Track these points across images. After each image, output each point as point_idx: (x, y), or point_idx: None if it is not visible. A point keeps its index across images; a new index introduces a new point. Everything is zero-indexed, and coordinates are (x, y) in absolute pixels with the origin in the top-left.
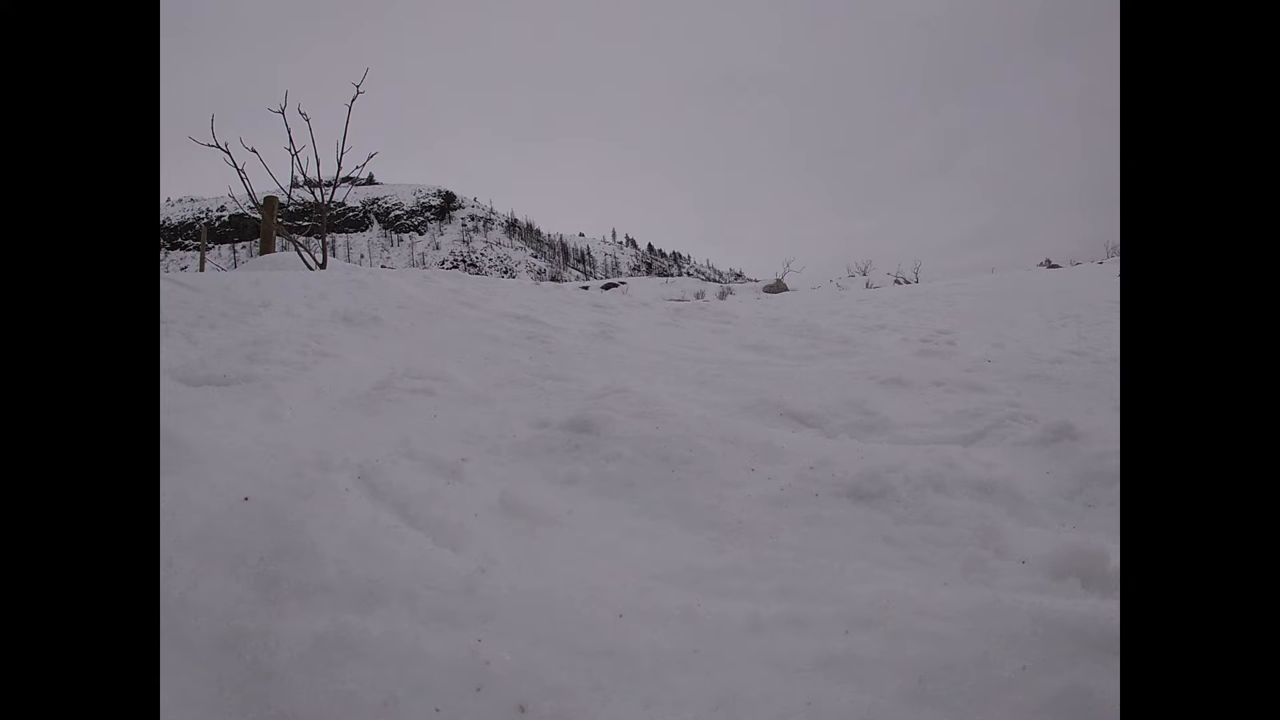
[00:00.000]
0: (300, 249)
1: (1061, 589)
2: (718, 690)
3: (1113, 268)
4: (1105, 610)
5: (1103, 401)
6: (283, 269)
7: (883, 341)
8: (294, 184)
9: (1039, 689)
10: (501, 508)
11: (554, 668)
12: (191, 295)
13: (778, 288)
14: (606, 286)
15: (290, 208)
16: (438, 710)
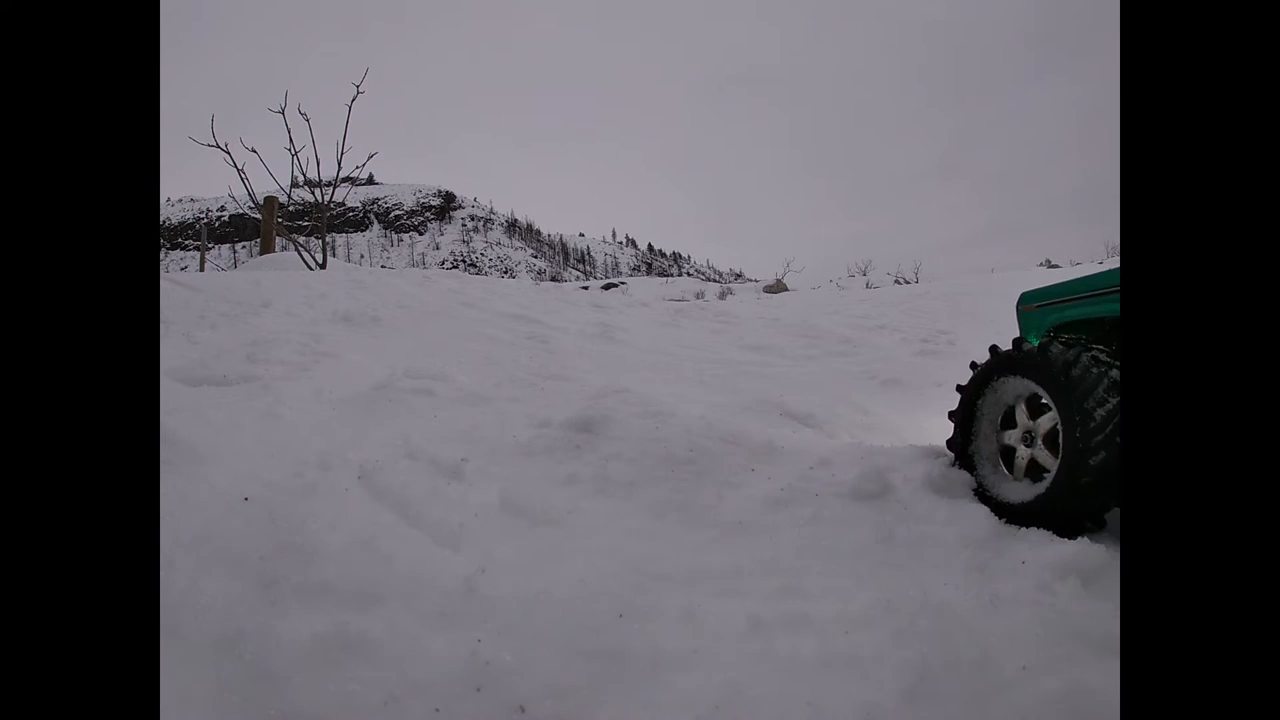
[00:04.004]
0: (300, 249)
1: (1062, 589)
2: (718, 690)
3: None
4: (1105, 610)
5: None
6: (283, 269)
7: (883, 342)
8: (294, 184)
9: (1039, 688)
10: (502, 508)
11: (554, 668)
12: (191, 295)
13: (778, 288)
14: (606, 286)
15: (290, 208)
16: (438, 710)
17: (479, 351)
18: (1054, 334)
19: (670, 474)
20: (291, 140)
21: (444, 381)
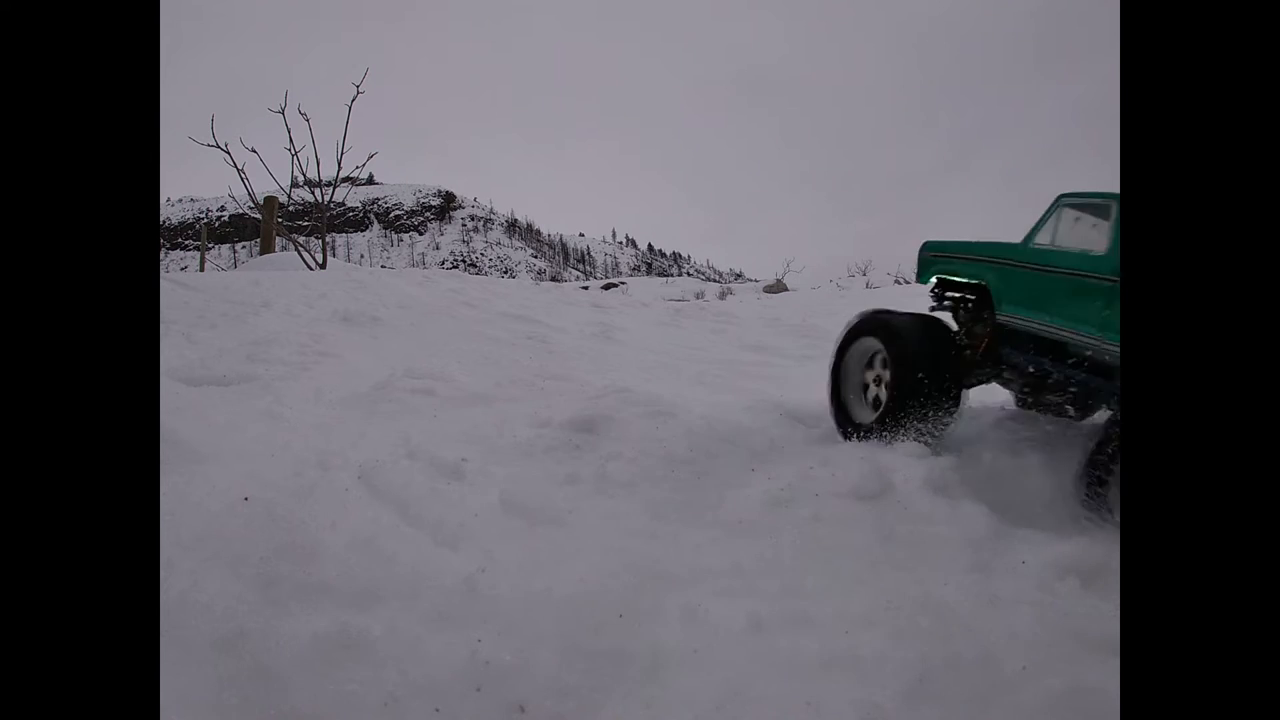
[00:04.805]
0: (300, 249)
1: (1062, 589)
2: (718, 690)
3: None
4: (1105, 610)
5: None
6: (283, 269)
7: None
8: (294, 184)
9: (1040, 688)
10: (502, 507)
11: (554, 668)
12: (191, 295)
13: (778, 288)
14: (606, 286)
15: (290, 208)
16: (438, 710)
17: (479, 351)
18: (939, 281)
19: (670, 474)
20: (291, 140)
21: (444, 381)
